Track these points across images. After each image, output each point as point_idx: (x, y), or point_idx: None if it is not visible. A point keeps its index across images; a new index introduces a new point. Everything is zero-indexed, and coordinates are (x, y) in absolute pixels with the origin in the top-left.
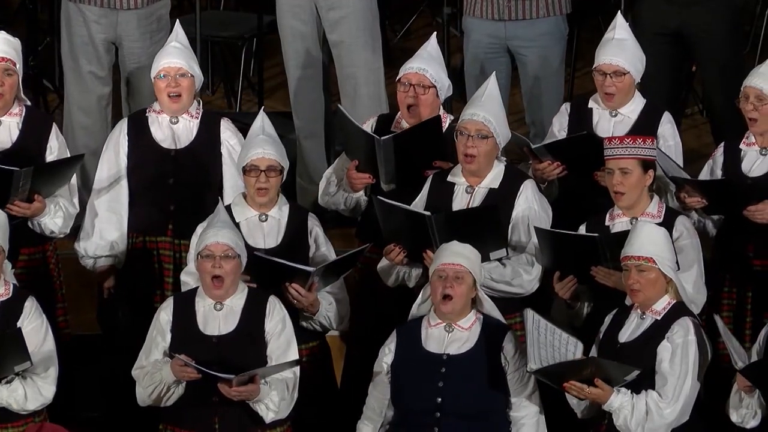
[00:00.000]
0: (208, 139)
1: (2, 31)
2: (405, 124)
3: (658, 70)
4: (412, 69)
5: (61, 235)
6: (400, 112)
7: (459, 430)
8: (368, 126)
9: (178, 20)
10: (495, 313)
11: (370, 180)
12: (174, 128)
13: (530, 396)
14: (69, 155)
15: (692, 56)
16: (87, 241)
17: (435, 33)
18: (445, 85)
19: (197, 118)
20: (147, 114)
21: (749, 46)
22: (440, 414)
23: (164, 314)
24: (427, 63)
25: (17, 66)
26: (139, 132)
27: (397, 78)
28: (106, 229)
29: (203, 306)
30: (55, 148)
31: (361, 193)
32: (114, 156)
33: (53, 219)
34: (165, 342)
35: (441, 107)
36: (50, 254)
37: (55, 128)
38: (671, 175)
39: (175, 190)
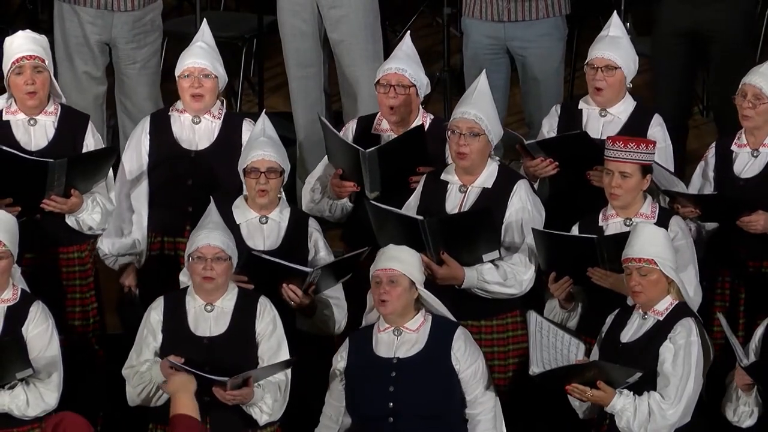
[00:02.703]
0: (228, 141)
1: (28, 30)
2: (385, 125)
3: (672, 71)
4: (390, 70)
5: (100, 231)
6: (380, 113)
7: None
8: (349, 128)
9: (204, 20)
10: (442, 310)
11: (354, 188)
12: (195, 129)
13: (485, 391)
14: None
15: (706, 56)
16: (109, 239)
17: (408, 31)
18: (423, 83)
19: (219, 118)
20: (170, 113)
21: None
22: (393, 419)
23: (155, 314)
24: (404, 63)
25: (47, 62)
26: (161, 131)
27: (375, 80)
28: (128, 228)
29: (194, 307)
30: (91, 146)
31: (346, 200)
32: (136, 154)
33: (91, 215)
34: (156, 342)
35: (420, 106)
36: (87, 254)
37: (91, 126)
38: (663, 188)
39: (193, 191)
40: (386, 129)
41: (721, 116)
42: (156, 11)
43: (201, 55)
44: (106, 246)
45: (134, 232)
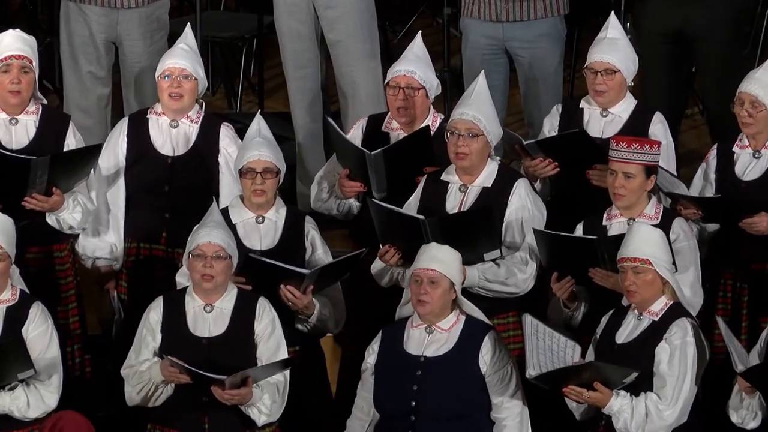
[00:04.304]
0: (206, 146)
1: (18, 29)
2: (395, 124)
3: (659, 71)
4: (400, 72)
5: (80, 231)
6: (390, 113)
7: None
8: (359, 127)
9: (189, 23)
10: (476, 314)
11: (361, 188)
12: (173, 133)
13: (512, 396)
14: None
15: (693, 56)
16: (86, 240)
17: (420, 32)
18: (434, 85)
19: (197, 123)
20: (148, 116)
21: (749, 47)
22: (415, 417)
23: (154, 314)
24: (414, 65)
25: (33, 64)
26: (139, 134)
27: (385, 81)
28: (105, 231)
29: (193, 307)
30: (72, 146)
31: (353, 198)
32: (113, 156)
33: (72, 214)
34: (155, 342)
35: (431, 107)
36: (68, 254)
37: (72, 126)
38: (666, 190)
39: (170, 197)
40: (396, 128)
41: (712, 118)
42: (163, 9)
43: (182, 56)
44: (81, 247)
45: (111, 235)
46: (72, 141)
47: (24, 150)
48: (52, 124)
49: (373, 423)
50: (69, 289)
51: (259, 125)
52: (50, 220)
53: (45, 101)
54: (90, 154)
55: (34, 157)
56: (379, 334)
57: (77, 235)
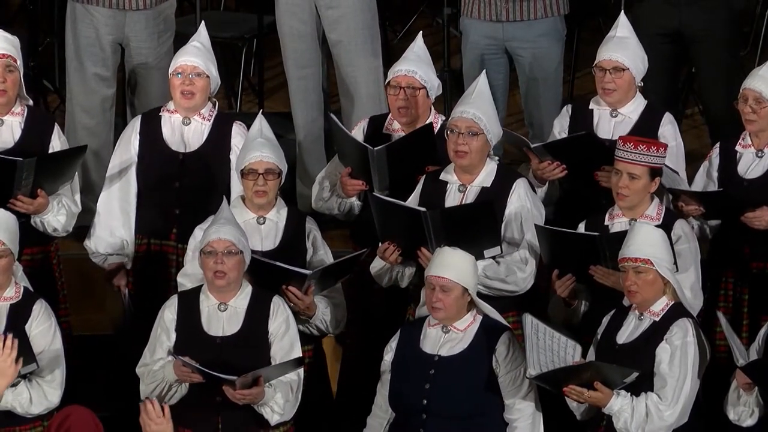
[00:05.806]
0: (217, 143)
1: (0, 29)
2: (397, 125)
3: (656, 70)
4: (401, 72)
5: (64, 233)
6: (391, 114)
7: None
8: (360, 128)
9: (203, 21)
10: (493, 315)
11: (363, 186)
12: (185, 130)
13: (525, 397)
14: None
15: (690, 56)
16: (97, 238)
17: (420, 32)
18: (434, 85)
19: (209, 120)
20: (160, 113)
21: (749, 46)
22: (426, 415)
23: (168, 313)
24: (415, 65)
25: (18, 63)
26: (151, 132)
27: (386, 81)
28: (117, 227)
29: (207, 306)
30: (57, 148)
31: (355, 198)
32: (126, 154)
33: (56, 216)
34: (170, 341)
35: (432, 107)
36: (52, 255)
37: (57, 128)
38: (668, 186)
39: (180, 193)
40: (397, 129)
41: (711, 119)
42: (170, 10)
43: (195, 54)
44: (93, 244)
45: (122, 231)
46: (57, 143)
47: (9, 151)
48: (38, 125)
49: (391, 421)
50: (57, 291)
51: (260, 125)
52: (34, 222)
53: (31, 102)
54: (75, 155)
55: (20, 159)
56: (398, 332)
57: (62, 237)
